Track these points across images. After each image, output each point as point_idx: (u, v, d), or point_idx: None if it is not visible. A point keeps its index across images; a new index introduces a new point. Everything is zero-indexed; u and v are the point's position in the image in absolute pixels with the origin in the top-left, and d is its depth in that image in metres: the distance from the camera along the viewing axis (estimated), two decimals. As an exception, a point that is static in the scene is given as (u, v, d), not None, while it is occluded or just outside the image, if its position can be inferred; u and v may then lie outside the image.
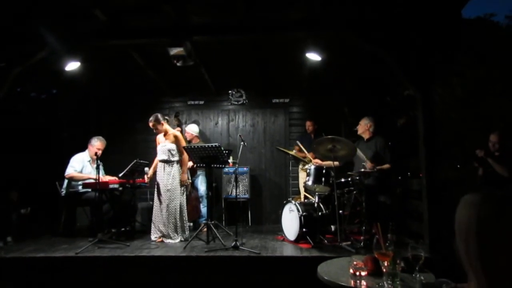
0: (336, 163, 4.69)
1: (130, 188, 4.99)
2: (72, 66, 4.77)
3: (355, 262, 2.02)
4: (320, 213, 4.52)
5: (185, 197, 4.87)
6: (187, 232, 4.80)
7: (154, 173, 4.85)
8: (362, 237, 4.25)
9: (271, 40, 5.11)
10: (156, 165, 4.84)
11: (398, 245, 2.03)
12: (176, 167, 4.73)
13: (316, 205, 4.60)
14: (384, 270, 1.97)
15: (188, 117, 6.93)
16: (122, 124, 6.85)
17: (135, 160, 4.63)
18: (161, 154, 4.74)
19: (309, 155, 5.51)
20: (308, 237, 4.30)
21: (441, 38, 4.67)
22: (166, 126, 4.82)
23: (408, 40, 4.12)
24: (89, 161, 5.14)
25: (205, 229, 4.59)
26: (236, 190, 5.19)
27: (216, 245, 4.26)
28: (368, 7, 4.08)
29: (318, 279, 2.13)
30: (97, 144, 5.07)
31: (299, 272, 3.68)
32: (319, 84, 6.48)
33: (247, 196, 6.25)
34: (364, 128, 4.87)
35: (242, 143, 4.82)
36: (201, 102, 6.98)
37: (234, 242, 4.12)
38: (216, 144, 4.45)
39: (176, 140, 4.76)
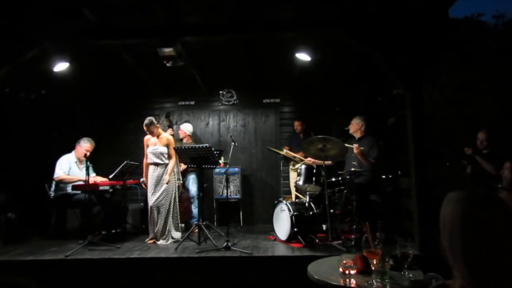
0: (329, 162, 4.71)
1: (121, 190, 4.95)
2: (61, 66, 4.71)
3: (344, 261, 2.04)
4: (311, 213, 4.54)
5: (177, 198, 4.86)
6: (179, 233, 4.78)
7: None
8: (353, 236, 4.28)
9: (261, 40, 5.13)
10: (148, 169, 4.81)
11: (388, 243, 2.06)
12: (167, 169, 4.72)
13: (307, 204, 4.63)
14: (373, 268, 1.99)
15: (179, 117, 6.89)
16: (112, 124, 6.78)
17: (125, 161, 4.60)
18: (152, 157, 4.72)
19: (298, 155, 5.54)
20: (299, 237, 4.32)
21: (429, 37, 4.73)
22: (159, 129, 4.84)
23: (397, 39, 4.16)
24: (76, 162, 5.07)
25: (197, 230, 4.58)
26: (227, 190, 5.19)
27: (207, 246, 4.26)
28: (358, 7, 4.11)
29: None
30: (86, 145, 5.00)
31: (291, 271, 3.69)
32: (310, 84, 6.51)
33: (238, 196, 6.24)
34: (355, 127, 4.91)
35: (233, 143, 4.82)
36: (192, 103, 6.95)
37: (225, 243, 4.12)
38: (207, 144, 4.44)
39: (168, 144, 4.78)
